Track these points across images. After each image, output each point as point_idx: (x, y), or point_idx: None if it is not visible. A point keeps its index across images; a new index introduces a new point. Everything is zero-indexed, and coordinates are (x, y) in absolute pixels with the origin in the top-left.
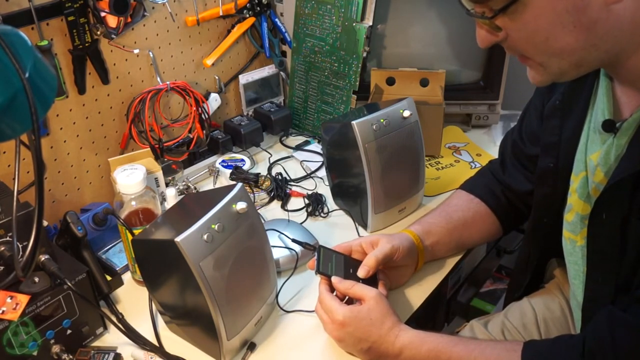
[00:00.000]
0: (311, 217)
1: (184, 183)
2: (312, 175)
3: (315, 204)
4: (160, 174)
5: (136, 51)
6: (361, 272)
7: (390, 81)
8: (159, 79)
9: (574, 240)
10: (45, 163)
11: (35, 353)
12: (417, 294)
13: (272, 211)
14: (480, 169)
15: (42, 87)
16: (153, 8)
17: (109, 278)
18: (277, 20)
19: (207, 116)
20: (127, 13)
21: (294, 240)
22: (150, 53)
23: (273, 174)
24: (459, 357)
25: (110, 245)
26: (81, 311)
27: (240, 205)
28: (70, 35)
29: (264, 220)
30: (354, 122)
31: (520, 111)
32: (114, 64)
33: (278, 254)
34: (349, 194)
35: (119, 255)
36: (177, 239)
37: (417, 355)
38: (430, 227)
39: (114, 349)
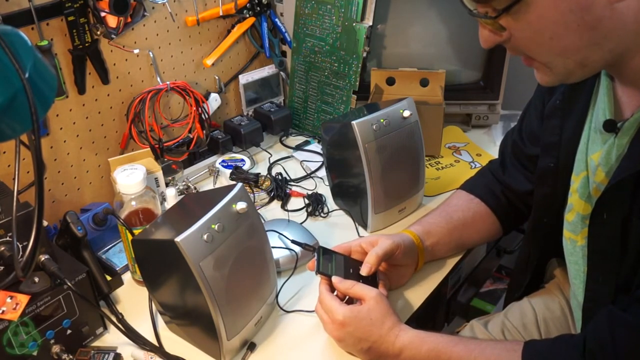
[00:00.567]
0: (311, 217)
1: (184, 183)
2: (312, 175)
3: (315, 204)
4: (160, 174)
5: (136, 51)
6: (364, 270)
7: (390, 81)
8: (159, 79)
9: (574, 240)
10: (45, 163)
11: (35, 353)
12: (417, 294)
13: (272, 211)
14: (480, 169)
15: (42, 87)
16: (153, 8)
17: (109, 278)
18: (277, 20)
19: (207, 116)
20: (127, 13)
21: (293, 242)
22: (150, 53)
23: (273, 174)
24: (459, 357)
25: (110, 245)
26: (81, 311)
27: (240, 205)
28: (70, 35)
29: (264, 220)
30: (354, 122)
31: (520, 111)
32: (114, 64)
33: (278, 254)
34: (349, 194)
35: (119, 255)
36: (177, 239)
37: (417, 355)
38: (430, 228)
39: (114, 349)
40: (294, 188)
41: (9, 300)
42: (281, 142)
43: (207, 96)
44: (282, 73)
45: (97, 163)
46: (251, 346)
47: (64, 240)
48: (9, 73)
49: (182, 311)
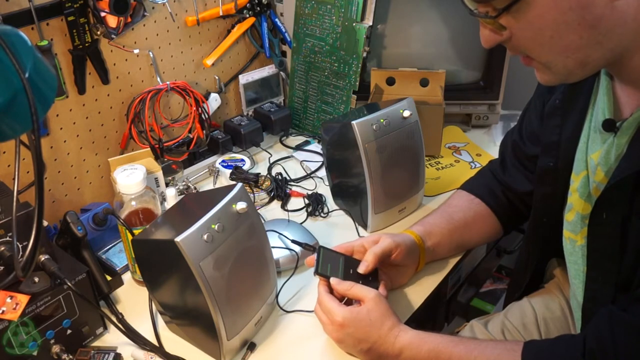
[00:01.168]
0: (311, 217)
1: (184, 183)
2: (312, 175)
3: (315, 204)
4: (160, 174)
5: (136, 51)
6: (361, 268)
7: (390, 81)
8: (159, 79)
9: (574, 240)
10: (45, 163)
11: (35, 353)
12: (417, 294)
13: (272, 211)
14: (481, 169)
15: (42, 87)
16: (153, 8)
17: (109, 278)
18: (277, 20)
19: (207, 116)
20: (127, 13)
21: (293, 241)
22: (150, 53)
23: (273, 174)
24: (459, 357)
25: (110, 245)
26: (81, 311)
27: (240, 205)
28: (70, 35)
29: (264, 220)
30: (354, 122)
31: (520, 111)
32: (114, 64)
33: (278, 254)
34: (349, 194)
35: (119, 255)
36: (177, 239)
37: (417, 355)
38: (431, 228)
39: (114, 349)
40: (294, 188)
41: (9, 300)
42: (281, 142)
43: (207, 96)
44: (282, 73)
45: (97, 163)
46: (251, 346)
47: (64, 240)
48: (9, 73)
49: (182, 311)
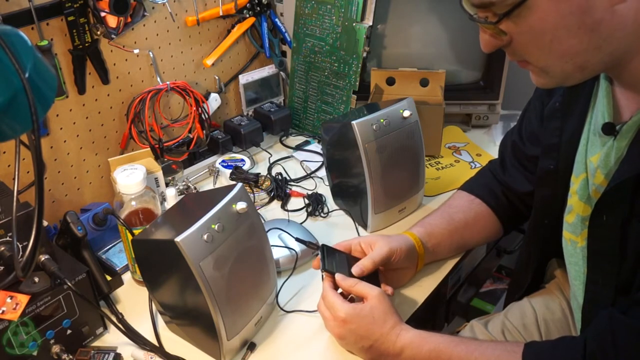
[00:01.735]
0: (311, 217)
1: (184, 183)
2: (312, 175)
3: (315, 204)
4: (160, 174)
5: (136, 51)
6: (354, 270)
7: (390, 81)
8: (159, 79)
9: (574, 242)
10: (45, 163)
11: (35, 353)
12: (417, 294)
13: (272, 211)
14: (481, 169)
15: (42, 87)
16: (153, 8)
17: (109, 278)
18: (277, 20)
19: (207, 116)
20: (127, 13)
21: (297, 239)
22: (150, 53)
23: (273, 174)
24: (460, 358)
25: (110, 245)
26: (81, 311)
27: (240, 205)
28: (70, 35)
29: (264, 220)
30: (354, 122)
31: (520, 111)
32: (114, 64)
33: (278, 254)
34: (349, 194)
35: (119, 255)
36: (177, 239)
37: (418, 355)
38: (432, 229)
39: (114, 349)
40: (294, 188)
41: (9, 300)
42: (281, 142)
43: (207, 96)
44: (282, 73)
45: (97, 163)
46: (251, 346)
47: (64, 240)
48: (9, 73)
49: (182, 311)
